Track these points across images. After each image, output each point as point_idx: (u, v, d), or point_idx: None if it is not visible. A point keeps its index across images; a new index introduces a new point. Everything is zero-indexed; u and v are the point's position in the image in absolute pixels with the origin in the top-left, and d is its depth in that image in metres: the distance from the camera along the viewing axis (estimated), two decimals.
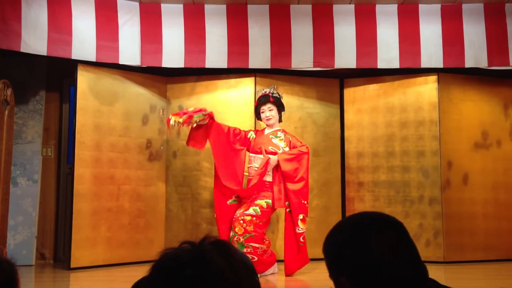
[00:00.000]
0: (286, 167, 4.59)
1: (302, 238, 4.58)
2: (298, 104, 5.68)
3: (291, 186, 4.57)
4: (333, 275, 1.14)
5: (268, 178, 4.65)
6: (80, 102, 5.11)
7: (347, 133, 5.74)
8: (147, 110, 5.54)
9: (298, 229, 4.56)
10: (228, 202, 4.65)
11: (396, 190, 5.50)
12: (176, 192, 5.57)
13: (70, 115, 5.58)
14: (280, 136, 4.77)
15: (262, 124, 5.02)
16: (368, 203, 5.57)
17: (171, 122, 4.56)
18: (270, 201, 4.57)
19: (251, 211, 4.50)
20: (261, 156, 4.68)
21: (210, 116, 4.69)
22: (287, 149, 4.72)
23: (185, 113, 4.60)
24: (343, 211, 5.66)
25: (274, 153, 4.67)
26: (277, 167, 4.64)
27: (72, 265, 4.90)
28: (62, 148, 5.71)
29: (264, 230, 4.58)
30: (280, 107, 4.81)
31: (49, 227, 5.57)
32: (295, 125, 5.63)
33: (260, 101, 4.81)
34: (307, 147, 4.74)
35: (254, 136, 4.86)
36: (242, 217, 4.48)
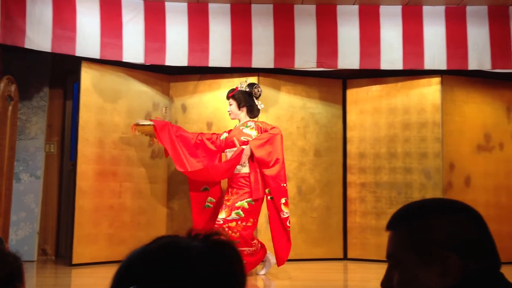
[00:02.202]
0: (259, 153, 4.46)
1: (288, 223, 4.46)
2: (301, 104, 5.68)
3: (268, 172, 4.45)
4: (418, 250, 1.06)
5: (245, 169, 4.52)
6: (83, 99, 5.12)
7: (349, 133, 5.74)
8: (150, 108, 5.55)
9: (283, 214, 4.43)
10: (201, 190, 4.73)
11: (398, 191, 5.50)
12: (178, 190, 5.58)
13: (74, 111, 5.60)
14: (251, 125, 4.67)
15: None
16: (369, 203, 5.57)
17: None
18: (250, 199, 4.43)
19: (233, 215, 4.38)
20: (235, 149, 4.60)
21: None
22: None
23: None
24: (345, 212, 5.66)
25: (248, 143, 4.57)
26: (252, 156, 4.51)
27: (74, 261, 4.92)
28: (65, 144, 5.72)
29: (252, 231, 4.49)
30: (241, 101, 4.68)
31: (51, 223, 5.59)
32: (297, 124, 5.63)
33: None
34: (278, 128, 4.63)
35: (227, 135, 4.79)
36: (227, 225, 4.34)
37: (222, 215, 4.43)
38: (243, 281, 0.85)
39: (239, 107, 4.69)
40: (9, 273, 1.25)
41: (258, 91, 4.74)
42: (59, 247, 5.58)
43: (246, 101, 4.68)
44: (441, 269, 1.03)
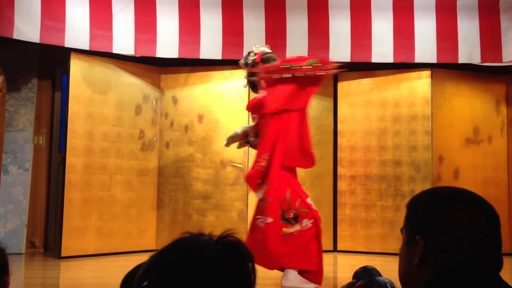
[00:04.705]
0: None
1: None
2: None
3: None
4: (408, 230, 1.12)
5: None
6: (72, 90, 5.08)
7: (340, 126, 5.75)
8: (140, 100, 5.52)
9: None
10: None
11: (388, 184, 5.53)
12: (168, 183, 5.56)
13: (62, 103, 5.55)
14: None
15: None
16: (359, 196, 5.59)
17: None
18: None
19: None
20: None
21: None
22: None
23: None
24: (335, 204, 5.68)
25: None
26: None
27: (63, 254, 4.89)
28: (53, 136, 5.67)
29: None
30: None
31: (40, 215, 5.55)
32: None
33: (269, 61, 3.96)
34: None
35: None
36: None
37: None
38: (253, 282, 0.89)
39: None
40: (0, 268, 1.23)
41: None
42: (48, 240, 5.55)
43: None
44: (414, 253, 1.08)
